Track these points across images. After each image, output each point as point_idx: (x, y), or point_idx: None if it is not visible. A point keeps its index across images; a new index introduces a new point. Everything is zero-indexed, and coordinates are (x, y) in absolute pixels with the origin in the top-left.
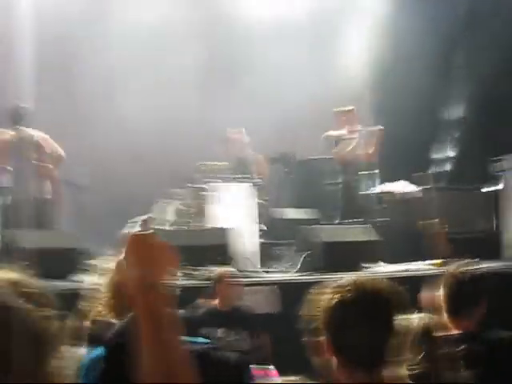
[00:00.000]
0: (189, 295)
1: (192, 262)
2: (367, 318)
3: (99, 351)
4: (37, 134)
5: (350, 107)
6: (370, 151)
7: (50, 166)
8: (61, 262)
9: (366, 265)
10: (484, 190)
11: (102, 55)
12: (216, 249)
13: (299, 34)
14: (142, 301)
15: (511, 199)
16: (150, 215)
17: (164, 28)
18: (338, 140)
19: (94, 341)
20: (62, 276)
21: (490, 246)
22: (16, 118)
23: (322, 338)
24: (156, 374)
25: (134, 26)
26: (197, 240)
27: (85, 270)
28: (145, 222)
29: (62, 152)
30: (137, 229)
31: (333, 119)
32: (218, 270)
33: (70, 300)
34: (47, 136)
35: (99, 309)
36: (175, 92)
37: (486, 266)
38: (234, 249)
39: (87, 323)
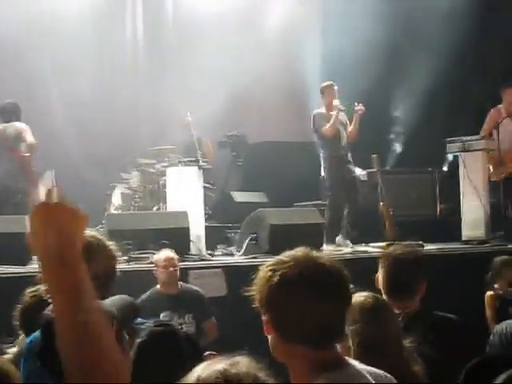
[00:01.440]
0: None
1: (151, 246)
2: (317, 292)
3: (33, 337)
4: (18, 125)
5: (330, 82)
6: (350, 129)
7: (27, 155)
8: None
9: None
10: (444, 168)
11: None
12: (176, 232)
13: (247, 15)
14: (50, 270)
15: (465, 181)
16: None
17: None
18: (327, 116)
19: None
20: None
21: (436, 229)
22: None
23: (265, 317)
24: (69, 340)
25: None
26: (157, 223)
27: None
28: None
29: (34, 141)
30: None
31: (322, 95)
32: (156, 253)
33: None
34: (27, 127)
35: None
36: (121, 76)
37: (432, 248)
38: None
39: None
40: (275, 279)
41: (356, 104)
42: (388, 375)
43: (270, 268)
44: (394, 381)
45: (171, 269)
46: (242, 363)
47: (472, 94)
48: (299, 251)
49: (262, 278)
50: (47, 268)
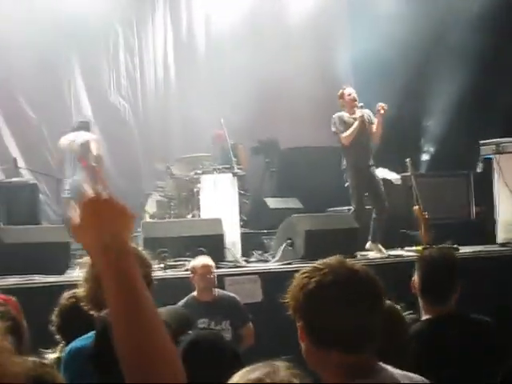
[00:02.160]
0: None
1: (186, 253)
2: (351, 298)
3: (77, 343)
4: (89, 136)
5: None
6: (373, 130)
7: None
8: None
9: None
10: (478, 170)
11: None
12: (211, 239)
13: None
14: (104, 262)
15: (500, 183)
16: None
17: None
18: (347, 121)
19: (68, 334)
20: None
21: (471, 232)
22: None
23: (299, 323)
24: (129, 340)
25: None
26: (192, 231)
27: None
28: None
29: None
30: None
31: (341, 100)
32: (193, 261)
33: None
34: (97, 138)
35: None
36: (155, 84)
37: (467, 251)
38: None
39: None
40: (310, 286)
41: (378, 105)
42: (426, 381)
43: (304, 275)
44: None
45: (208, 276)
46: (278, 372)
47: (504, 96)
48: (333, 259)
49: (297, 285)
50: (100, 263)
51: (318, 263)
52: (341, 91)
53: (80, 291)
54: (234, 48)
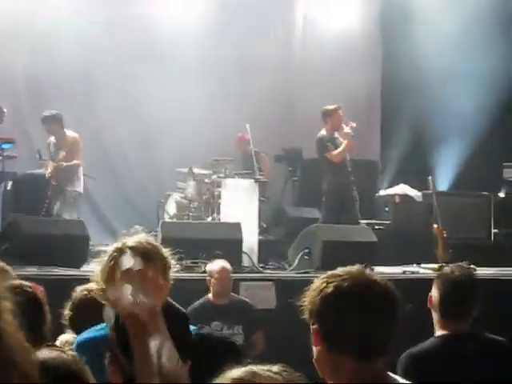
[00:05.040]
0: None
1: (204, 255)
2: (368, 306)
3: (87, 335)
4: (71, 134)
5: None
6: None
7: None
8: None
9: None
10: (502, 193)
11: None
12: (229, 243)
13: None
14: (138, 335)
15: None
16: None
17: None
18: (334, 139)
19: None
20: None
21: (488, 253)
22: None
23: (314, 327)
24: None
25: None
26: (210, 233)
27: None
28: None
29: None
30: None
31: (328, 118)
32: (210, 263)
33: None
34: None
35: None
36: (182, 87)
37: (484, 272)
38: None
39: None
40: (329, 290)
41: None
42: None
43: (324, 280)
44: None
45: (225, 280)
46: (261, 373)
47: None
48: (353, 268)
49: (316, 289)
50: (135, 333)
51: (338, 270)
52: (334, 107)
53: (94, 285)
54: (258, 55)
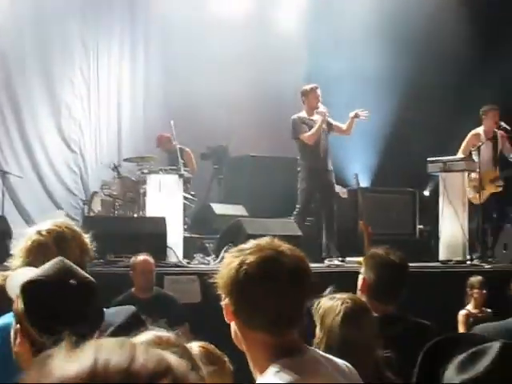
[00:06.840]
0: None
1: (128, 249)
2: (275, 278)
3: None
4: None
5: (315, 85)
6: (344, 127)
7: None
8: None
9: None
10: (427, 189)
11: None
12: (153, 238)
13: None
14: None
15: (445, 201)
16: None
17: None
18: (308, 122)
19: None
20: None
21: (415, 249)
22: None
23: (225, 302)
24: None
25: None
26: (134, 228)
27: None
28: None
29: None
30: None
31: (305, 98)
32: (133, 257)
33: None
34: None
35: None
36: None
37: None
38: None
39: None
40: (234, 264)
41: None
42: (350, 367)
43: (232, 254)
44: (355, 373)
45: (147, 273)
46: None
47: (459, 116)
48: (264, 239)
49: (225, 264)
50: None
51: (248, 243)
52: (311, 87)
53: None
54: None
